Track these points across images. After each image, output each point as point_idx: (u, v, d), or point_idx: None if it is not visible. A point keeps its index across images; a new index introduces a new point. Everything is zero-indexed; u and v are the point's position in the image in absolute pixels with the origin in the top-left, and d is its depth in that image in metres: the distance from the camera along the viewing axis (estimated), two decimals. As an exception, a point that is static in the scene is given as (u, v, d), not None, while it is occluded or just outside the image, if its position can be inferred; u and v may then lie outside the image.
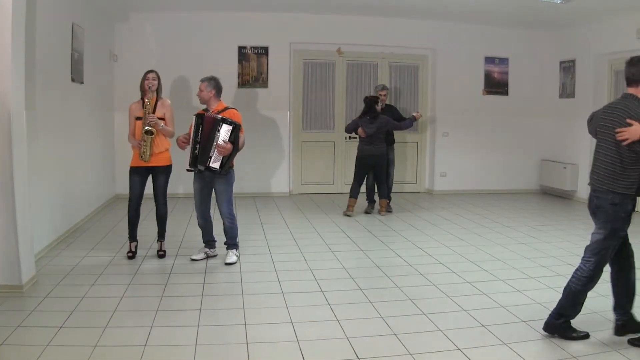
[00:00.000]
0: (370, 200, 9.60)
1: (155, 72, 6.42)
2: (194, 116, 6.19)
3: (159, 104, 6.36)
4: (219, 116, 6.07)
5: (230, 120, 6.03)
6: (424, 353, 4.07)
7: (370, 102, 9.07)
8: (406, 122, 9.38)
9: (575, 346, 4.15)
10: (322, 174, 11.58)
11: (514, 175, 12.00)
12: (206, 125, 6.06)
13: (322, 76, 11.38)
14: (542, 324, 4.52)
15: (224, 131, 5.98)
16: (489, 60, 11.73)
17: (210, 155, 6.04)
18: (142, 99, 6.34)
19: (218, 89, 6.32)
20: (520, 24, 11.12)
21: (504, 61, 11.80)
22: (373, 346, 4.20)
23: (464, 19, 10.96)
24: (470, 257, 6.68)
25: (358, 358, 3.98)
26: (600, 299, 5.17)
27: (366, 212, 9.38)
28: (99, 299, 5.13)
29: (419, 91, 11.77)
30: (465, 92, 11.63)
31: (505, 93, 11.84)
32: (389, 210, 9.48)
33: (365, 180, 9.38)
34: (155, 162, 6.36)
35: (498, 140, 11.84)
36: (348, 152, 11.41)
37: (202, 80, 6.29)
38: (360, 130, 9.08)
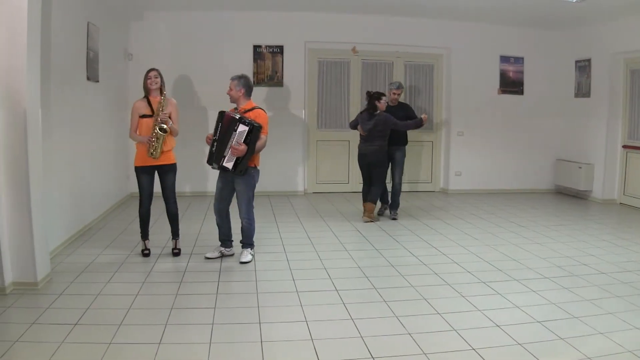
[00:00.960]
0: (383, 201, 9.25)
1: (157, 70, 6.41)
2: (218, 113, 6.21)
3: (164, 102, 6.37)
4: (237, 115, 6.06)
5: (248, 121, 6.00)
6: (439, 353, 4.05)
7: (372, 97, 8.47)
8: (410, 123, 8.73)
9: (590, 347, 4.11)
10: (337, 173, 11.56)
11: (529, 174, 11.95)
12: (225, 124, 6.07)
13: (337, 75, 11.37)
14: (556, 324, 4.51)
15: (240, 132, 5.97)
16: (504, 59, 11.67)
17: (225, 154, 6.05)
18: (147, 97, 6.36)
19: (247, 88, 6.30)
20: (535, 23, 11.05)
21: (519, 60, 11.74)
22: (387, 345, 4.19)
23: (479, 18, 10.92)
24: (485, 257, 6.65)
25: (372, 357, 3.97)
26: (614, 299, 5.16)
27: (377, 214, 9.04)
28: (114, 296, 5.15)
29: (434, 90, 11.73)
30: (481, 91, 11.59)
31: (521, 92, 11.78)
32: (393, 217, 8.94)
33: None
34: (162, 160, 6.36)
35: (513, 139, 11.78)
36: (363, 151, 11.41)
37: (232, 79, 6.28)
38: (359, 126, 8.67)
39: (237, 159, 6.04)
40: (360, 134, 8.73)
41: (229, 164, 6.08)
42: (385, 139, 8.54)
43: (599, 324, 4.54)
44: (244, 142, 5.97)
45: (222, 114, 6.13)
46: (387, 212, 9.22)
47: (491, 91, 11.65)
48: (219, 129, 6.09)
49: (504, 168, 11.83)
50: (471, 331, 4.44)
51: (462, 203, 10.46)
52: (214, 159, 6.14)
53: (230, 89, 6.26)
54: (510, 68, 11.70)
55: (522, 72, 11.74)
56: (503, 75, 11.67)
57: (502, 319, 4.69)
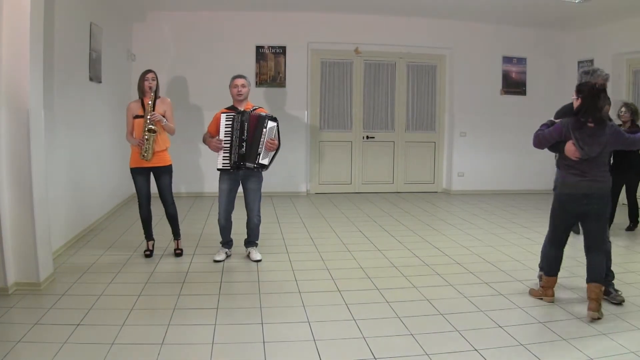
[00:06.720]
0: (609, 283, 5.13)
1: (154, 72, 6.40)
2: (224, 114, 6.18)
3: (158, 102, 6.33)
4: (264, 113, 6.18)
5: (274, 117, 6.18)
6: (441, 353, 4.04)
7: (593, 94, 5.01)
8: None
9: (593, 348, 4.10)
10: (340, 174, 11.57)
11: (531, 175, 11.93)
12: (252, 123, 6.11)
13: (340, 76, 11.38)
14: (559, 325, 4.52)
15: (270, 128, 6.09)
16: (507, 59, 11.68)
17: (259, 152, 6.10)
18: (141, 98, 6.34)
19: None
20: (538, 23, 11.06)
21: (522, 61, 11.75)
22: (389, 346, 4.18)
23: (482, 19, 10.93)
24: (488, 258, 6.64)
25: (374, 358, 3.96)
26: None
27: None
28: (116, 297, 5.15)
29: (436, 91, 11.74)
30: (483, 91, 11.59)
31: (523, 93, 11.79)
32: (614, 299, 5.04)
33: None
34: (156, 162, 6.36)
35: (516, 140, 11.75)
36: (366, 152, 11.48)
37: (243, 77, 6.33)
38: (568, 147, 4.87)
39: (269, 154, 6.21)
40: (561, 158, 5.10)
41: (265, 161, 6.16)
42: (607, 167, 4.94)
43: (602, 325, 4.53)
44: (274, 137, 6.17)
45: (244, 113, 6.13)
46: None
47: (494, 92, 11.66)
48: (246, 129, 6.10)
49: (507, 169, 11.84)
50: (473, 332, 4.43)
51: (465, 204, 10.45)
52: (247, 159, 6.14)
53: (244, 86, 6.27)
54: (513, 69, 11.70)
55: (524, 73, 11.75)
56: (506, 76, 11.68)
57: (505, 319, 4.68)
